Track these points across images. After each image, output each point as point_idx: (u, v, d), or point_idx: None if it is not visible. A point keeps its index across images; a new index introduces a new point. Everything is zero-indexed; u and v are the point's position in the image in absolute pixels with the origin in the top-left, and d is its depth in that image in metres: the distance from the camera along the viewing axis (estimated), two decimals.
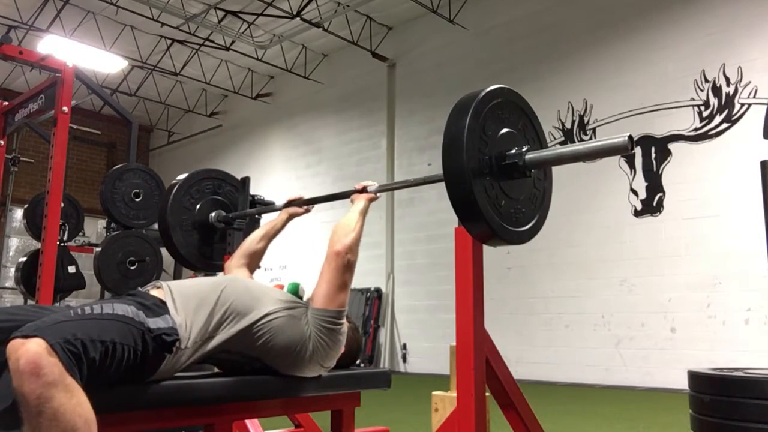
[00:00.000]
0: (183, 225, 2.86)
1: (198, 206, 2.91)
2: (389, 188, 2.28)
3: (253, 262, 2.42)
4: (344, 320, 1.89)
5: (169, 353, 1.59)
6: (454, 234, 1.83)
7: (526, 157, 1.66)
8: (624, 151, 1.50)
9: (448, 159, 1.60)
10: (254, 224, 3.00)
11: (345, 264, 1.89)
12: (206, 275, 2.79)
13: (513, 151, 1.68)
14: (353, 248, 1.93)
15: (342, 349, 1.94)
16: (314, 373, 1.88)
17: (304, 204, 2.57)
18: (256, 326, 1.78)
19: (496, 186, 1.64)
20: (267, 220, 2.50)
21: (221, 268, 2.81)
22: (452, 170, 1.59)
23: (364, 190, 2.18)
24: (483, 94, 1.66)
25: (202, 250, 2.90)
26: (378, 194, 2.21)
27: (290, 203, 2.59)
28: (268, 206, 2.92)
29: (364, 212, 2.10)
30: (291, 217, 2.58)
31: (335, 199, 2.51)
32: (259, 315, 1.79)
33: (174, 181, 2.91)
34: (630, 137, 1.46)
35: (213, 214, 2.92)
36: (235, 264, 2.37)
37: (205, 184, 2.96)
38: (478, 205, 1.57)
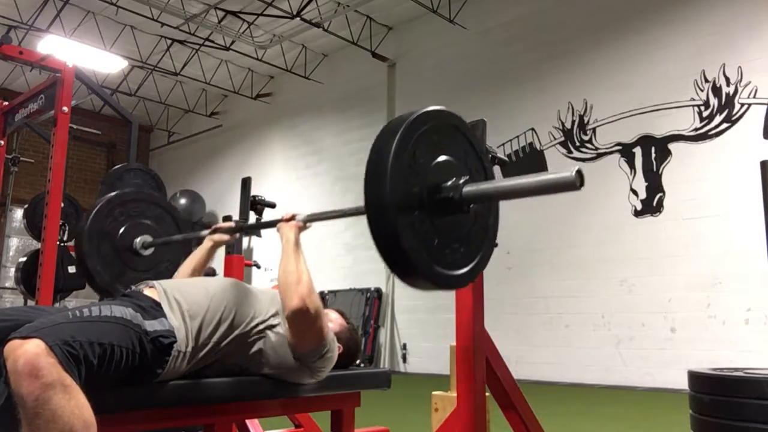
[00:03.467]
0: (102, 251, 2.62)
1: (121, 230, 2.68)
2: (317, 218, 1.99)
3: None
4: (327, 345, 1.82)
5: (167, 356, 1.59)
6: None
7: (464, 190, 1.40)
8: (573, 187, 1.26)
9: (370, 190, 1.35)
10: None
11: (309, 316, 1.72)
12: (206, 275, 2.76)
13: (448, 183, 1.42)
14: (309, 295, 1.72)
15: (334, 362, 1.91)
16: (309, 382, 1.89)
17: (231, 232, 2.35)
18: (248, 337, 1.78)
19: (427, 222, 1.38)
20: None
21: None
22: (373, 204, 1.34)
23: (292, 218, 1.93)
24: (415, 116, 1.41)
25: (123, 278, 2.66)
26: (308, 224, 1.96)
27: (216, 230, 2.34)
28: (194, 233, 2.68)
29: (297, 244, 1.85)
30: (216, 245, 2.32)
31: (266, 227, 2.23)
32: (251, 326, 1.78)
33: (95, 203, 2.70)
34: (578, 172, 1.25)
35: (138, 239, 2.69)
36: None
37: (131, 206, 2.73)
38: (402, 246, 1.31)
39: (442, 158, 1.45)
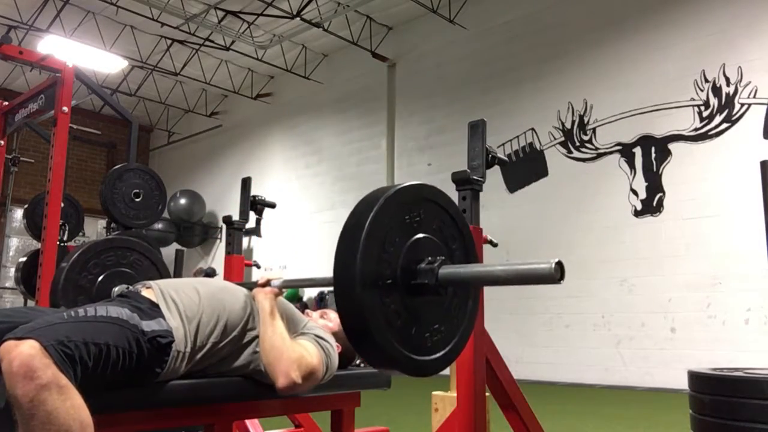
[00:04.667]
0: (78, 301, 2.50)
1: (98, 282, 2.58)
2: (293, 285, 1.93)
3: None
4: (324, 366, 1.78)
5: (166, 356, 1.58)
6: None
7: (440, 272, 1.31)
8: (551, 280, 1.19)
9: (339, 269, 1.29)
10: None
11: (299, 386, 1.68)
12: (206, 275, 2.74)
13: (423, 265, 1.33)
14: (293, 367, 1.67)
15: (335, 369, 1.88)
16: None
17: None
18: (246, 339, 1.77)
19: (400, 306, 1.30)
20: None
21: None
22: (341, 284, 1.28)
23: (267, 284, 1.87)
24: (393, 191, 1.33)
25: None
26: (283, 290, 1.89)
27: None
28: None
29: (273, 314, 1.78)
30: None
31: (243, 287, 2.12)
32: (247, 328, 1.78)
33: (67, 257, 2.59)
34: (558, 264, 1.17)
35: (116, 289, 2.57)
36: None
37: (105, 256, 2.62)
38: (371, 332, 1.23)
39: (420, 236, 1.37)
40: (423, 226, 1.39)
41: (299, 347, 1.73)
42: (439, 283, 1.32)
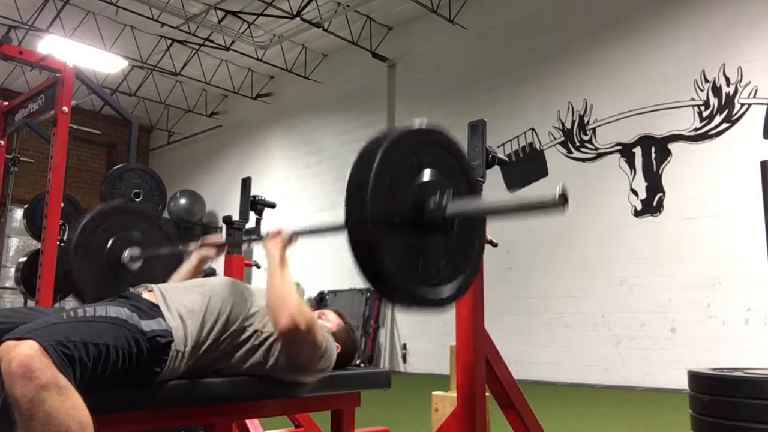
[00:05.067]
0: (89, 267, 2.58)
1: (109, 244, 2.63)
2: (303, 233, 1.94)
3: None
4: (323, 349, 1.80)
5: (165, 356, 1.58)
6: None
7: (447, 208, 1.36)
8: (557, 208, 1.22)
9: (350, 209, 1.30)
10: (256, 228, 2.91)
11: (300, 332, 1.69)
12: (206, 275, 2.74)
13: (431, 202, 1.37)
14: (298, 312, 1.69)
15: (333, 362, 1.90)
16: (309, 380, 1.88)
17: (219, 246, 2.30)
18: (246, 337, 1.77)
19: (410, 241, 1.34)
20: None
21: None
22: (353, 223, 1.29)
23: (277, 235, 1.89)
24: (397, 133, 1.38)
25: (108, 292, 2.62)
26: (293, 239, 1.91)
27: (203, 245, 2.29)
28: (182, 246, 2.61)
29: (282, 262, 1.80)
30: (204, 260, 2.27)
31: (252, 242, 2.22)
32: (247, 325, 1.78)
33: (81, 218, 2.66)
34: (562, 195, 1.20)
35: (126, 253, 2.65)
36: None
37: (117, 219, 2.69)
38: (384, 267, 1.27)
39: (426, 175, 1.41)
40: (429, 166, 1.43)
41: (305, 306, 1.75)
42: (446, 219, 1.36)
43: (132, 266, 2.66)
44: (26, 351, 1.27)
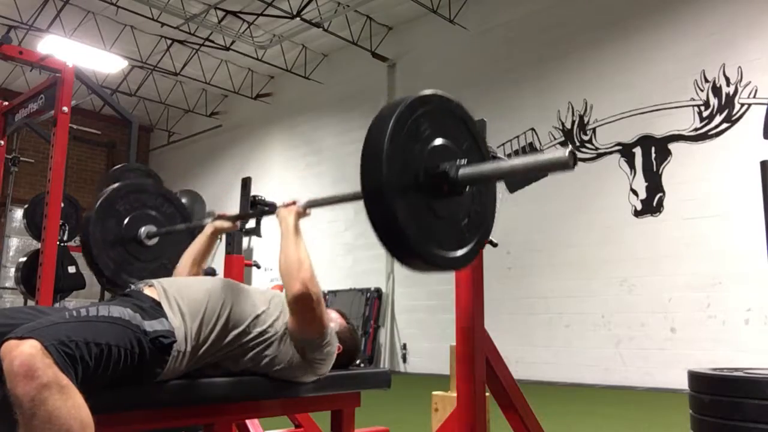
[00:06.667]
0: (107, 241, 2.65)
1: (126, 220, 2.71)
2: (317, 204, 1.99)
3: None
4: (328, 336, 1.83)
5: (167, 356, 1.58)
6: None
7: (460, 172, 1.41)
8: (566, 167, 1.27)
9: (366, 174, 1.35)
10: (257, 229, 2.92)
11: (310, 301, 1.73)
12: (206, 275, 2.74)
13: (444, 165, 1.42)
14: (311, 279, 1.73)
15: (334, 358, 1.91)
16: (309, 380, 1.89)
17: (233, 219, 2.32)
18: (247, 336, 1.77)
19: (424, 205, 1.40)
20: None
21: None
22: (370, 186, 1.34)
23: (292, 204, 1.93)
24: (410, 101, 1.43)
25: (128, 268, 2.71)
26: (308, 210, 1.95)
27: (219, 217, 2.31)
28: (197, 222, 2.63)
29: (297, 229, 1.83)
30: (217, 232, 2.28)
31: (267, 214, 2.25)
32: (249, 324, 1.78)
33: (101, 193, 2.72)
34: (572, 152, 1.26)
35: (143, 229, 2.73)
36: None
37: (136, 197, 2.76)
38: (401, 227, 1.32)
39: (438, 142, 1.46)
40: (441, 133, 1.49)
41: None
42: (459, 180, 1.41)
43: (148, 243, 2.75)
44: (28, 350, 1.27)
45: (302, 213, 1.91)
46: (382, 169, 1.33)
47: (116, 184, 2.77)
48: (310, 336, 1.79)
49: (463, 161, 1.44)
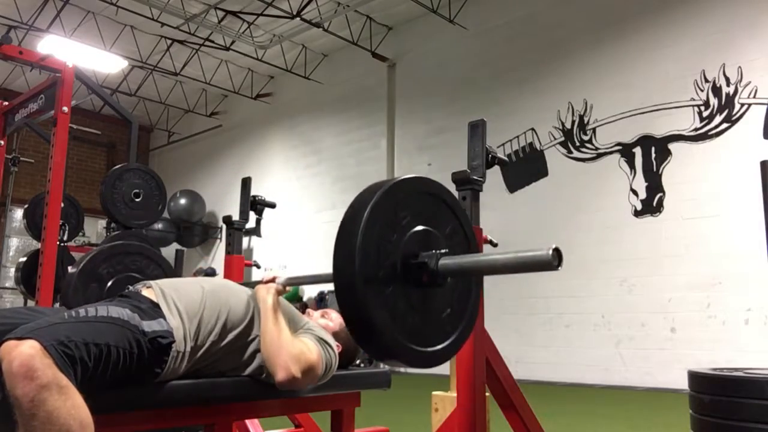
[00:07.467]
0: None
1: (109, 284, 2.67)
2: (296, 282, 1.94)
3: None
4: (325, 365, 1.78)
5: (166, 356, 1.58)
6: None
7: (440, 262, 1.31)
8: (549, 267, 1.19)
9: (337, 267, 1.26)
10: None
11: (297, 381, 1.68)
12: (206, 275, 2.74)
13: (423, 257, 1.32)
14: (293, 362, 1.67)
15: (335, 368, 1.87)
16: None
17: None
18: (245, 338, 1.77)
19: (402, 297, 1.30)
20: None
21: None
22: (340, 280, 1.25)
23: (271, 281, 1.88)
24: (388, 186, 1.32)
25: None
26: (287, 287, 1.90)
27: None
28: None
29: (274, 309, 1.78)
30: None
31: (246, 285, 2.10)
32: (247, 326, 1.77)
33: (79, 260, 2.68)
34: (556, 250, 1.17)
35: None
36: None
37: (116, 260, 2.69)
38: (374, 324, 1.22)
39: (418, 228, 1.36)
40: (421, 219, 1.38)
41: (299, 343, 1.74)
42: (439, 274, 1.32)
43: None
44: (27, 351, 1.27)
45: (282, 290, 1.87)
46: (354, 262, 1.22)
47: (97, 249, 2.71)
48: (311, 385, 1.77)
49: (444, 251, 1.34)
